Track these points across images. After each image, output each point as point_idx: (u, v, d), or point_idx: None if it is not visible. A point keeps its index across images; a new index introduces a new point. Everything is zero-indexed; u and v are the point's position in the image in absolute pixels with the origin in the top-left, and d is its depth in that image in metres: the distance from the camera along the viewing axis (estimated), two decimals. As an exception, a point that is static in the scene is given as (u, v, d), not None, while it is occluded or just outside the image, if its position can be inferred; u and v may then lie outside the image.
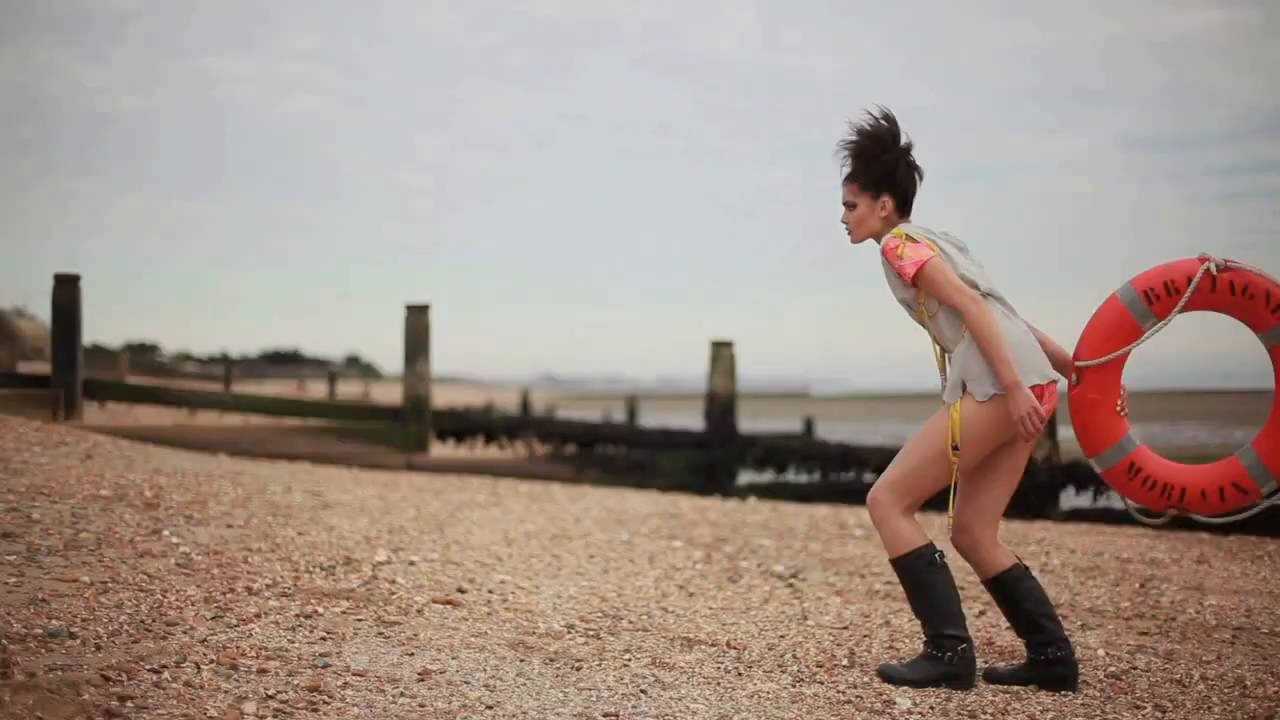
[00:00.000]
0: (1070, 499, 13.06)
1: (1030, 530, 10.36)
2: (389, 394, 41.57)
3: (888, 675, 5.01)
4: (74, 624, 4.63)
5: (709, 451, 14.83)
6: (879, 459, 14.09)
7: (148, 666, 4.20)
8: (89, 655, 4.27)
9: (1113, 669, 5.32)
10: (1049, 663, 5.00)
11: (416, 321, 15.00)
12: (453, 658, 4.90)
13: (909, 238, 4.93)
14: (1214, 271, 5.03)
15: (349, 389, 53.64)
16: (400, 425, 14.96)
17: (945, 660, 4.95)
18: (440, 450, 15.68)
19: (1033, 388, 4.85)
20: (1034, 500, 12.72)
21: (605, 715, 4.30)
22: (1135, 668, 5.37)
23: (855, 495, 13.43)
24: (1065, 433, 14.54)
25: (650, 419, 42.79)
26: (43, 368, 16.80)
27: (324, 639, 4.96)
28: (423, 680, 4.51)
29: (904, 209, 5.09)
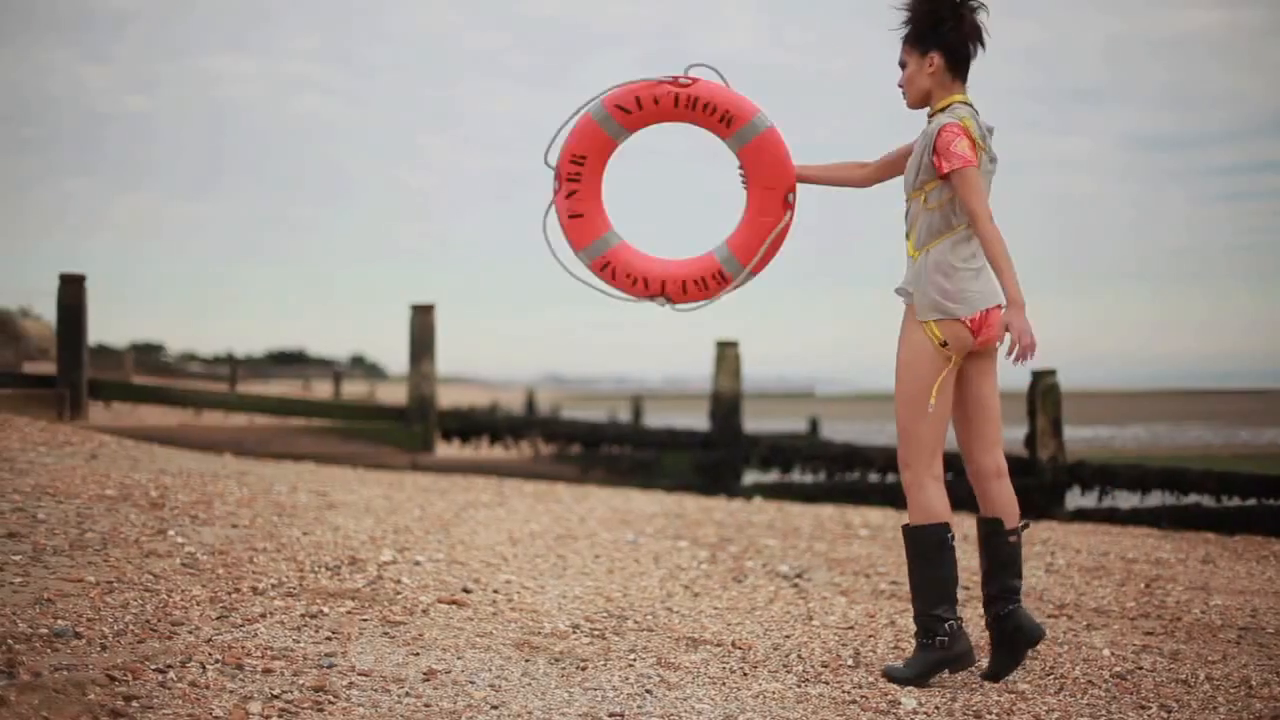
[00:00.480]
0: (1075, 499, 13.06)
1: (1036, 530, 10.35)
2: (394, 394, 41.58)
3: (891, 676, 5.01)
4: (79, 624, 4.63)
5: (714, 451, 14.81)
6: (884, 459, 14.07)
7: (153, 666, 4.21)
8: (94, 655, 4.27)
9: (1118, 669, 5.32)
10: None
11: (421, 321, 14.99)
12: (458, 658, 4.90)
13: (970, 139, 4.91)
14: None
15: (354, 389, 53.65)
16: (405, 425, 14.96)
17: (936, 645, 4.96)
18: (445, 450, 15.67)
19: (991, 309, 4.95)
20: (1039, 500, 12.71)
21: (610, 715, 4.30)
22: (1140, 668, 5.37)
23: (860, 495, 13.43)
24: (1072, 433, 14.55)
25: (655, 419, 42.78)
26: (48, 368, 16.79)
27: (329, 639, 4.96)
28: (428, 680, 4.51)
29: (956, 70, 5.06)
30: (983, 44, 5.08)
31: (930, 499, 5.01)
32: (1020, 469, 13.20)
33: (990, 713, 4.61)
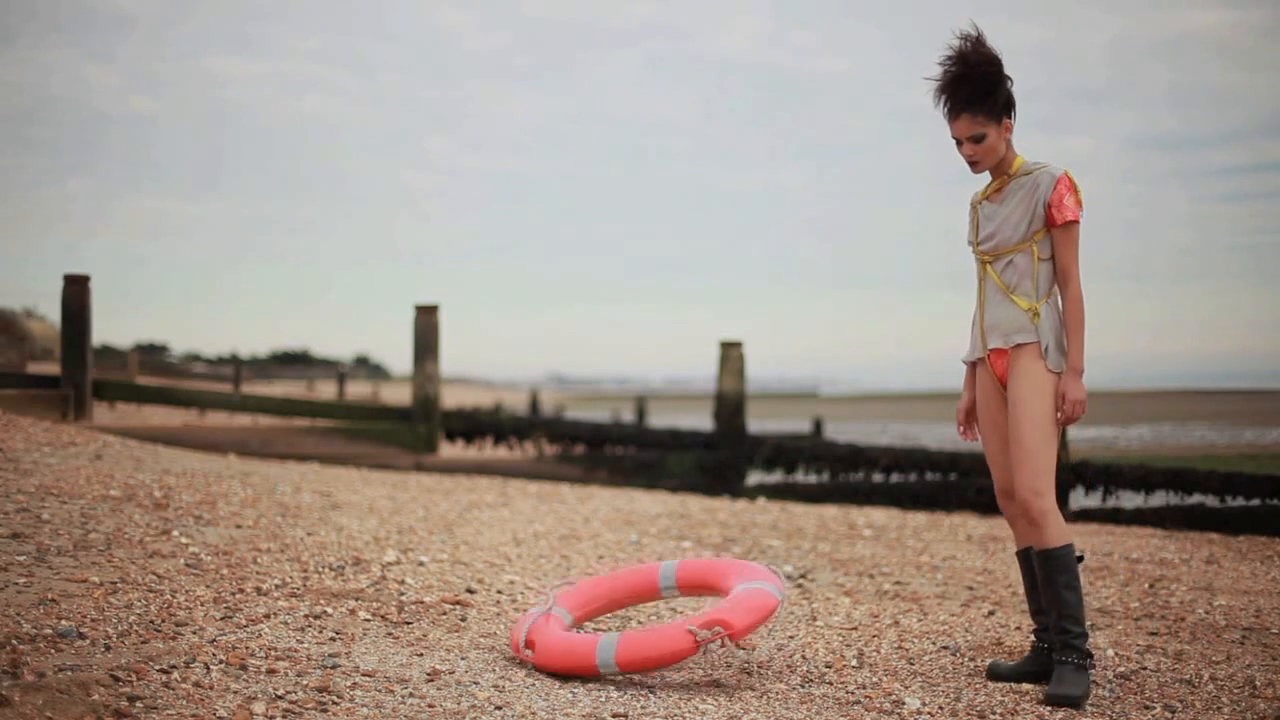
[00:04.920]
0: (1079, 499, 13.05)
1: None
2: (398, 394, 41.63)
3: (1062, 701, 4.82)
4: (83, 624, 4.63)
5: (718, 452, 14.82)
6: (888, 459, 14.08)
7: (157, 667, 4.21)
8: (98, 655, 4.27)
9: (1122, 669, 5.32)
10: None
11: (425, 322, 15.01)
12: (462, 658, 4.90)
13: (1078, 195, 4.98)
14: None
15: (358, 389, 53.71)
16: (409, 426, 14.97)
17: (1090, 665, 4.91)
18: (449, 451, 15.69)
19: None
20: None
21: (614, 715, 4.30)
22: (1145, 668, 5.36)
23: (864, 496, 13.44)
24: (1075, 433, 14.54)
25: (659, 419, 42.82)
26: (52, 368, 16.83)
27: (333, 639, 4.96)
28: (432, 680, 4.52)
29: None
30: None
31: (1060, 519, 5.00)
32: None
33: (994, 713, 4.61)
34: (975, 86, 4.97)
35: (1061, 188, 4.94)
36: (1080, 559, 5.02)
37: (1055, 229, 4.97)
